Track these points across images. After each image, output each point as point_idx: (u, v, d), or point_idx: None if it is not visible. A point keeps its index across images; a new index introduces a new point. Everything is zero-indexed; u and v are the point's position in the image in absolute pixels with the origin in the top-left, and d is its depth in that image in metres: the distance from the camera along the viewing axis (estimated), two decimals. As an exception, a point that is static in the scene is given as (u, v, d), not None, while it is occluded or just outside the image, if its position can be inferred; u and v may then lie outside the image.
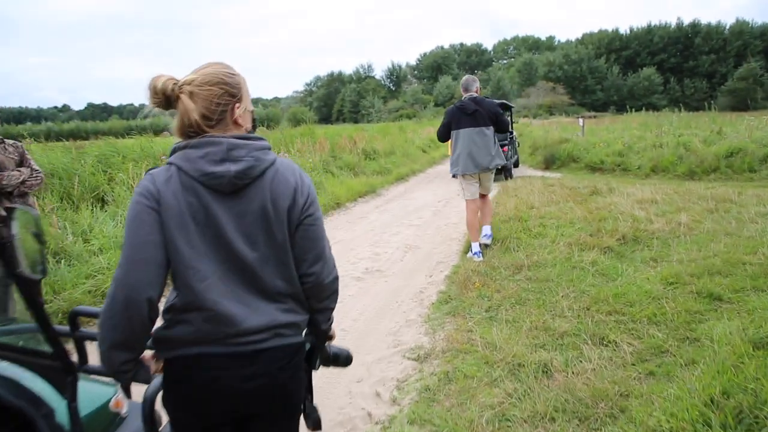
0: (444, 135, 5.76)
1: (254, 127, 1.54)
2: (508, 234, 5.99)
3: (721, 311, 3.75)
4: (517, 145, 15.80)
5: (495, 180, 12.40)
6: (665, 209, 7.08)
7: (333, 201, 9.21)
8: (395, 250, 6.43)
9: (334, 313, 1.61)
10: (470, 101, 5.53)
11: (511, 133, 14.12)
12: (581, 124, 19.68)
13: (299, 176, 1.43)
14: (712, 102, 36.90)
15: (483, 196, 5.87)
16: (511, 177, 12.38)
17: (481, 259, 5.40)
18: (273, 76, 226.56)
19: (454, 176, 6.01)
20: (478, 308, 4.12)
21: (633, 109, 30.44)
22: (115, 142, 9.41)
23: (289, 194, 1.38)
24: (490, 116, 5.52)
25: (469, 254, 5.58)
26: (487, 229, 5.86)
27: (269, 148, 1.42)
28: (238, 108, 1.40)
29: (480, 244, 5.60)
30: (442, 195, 10.68)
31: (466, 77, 5.84)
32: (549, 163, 15.09)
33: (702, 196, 7.97)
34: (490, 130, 5.54)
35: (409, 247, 6.51)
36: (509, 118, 15.37)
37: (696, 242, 5.55)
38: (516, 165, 15.01)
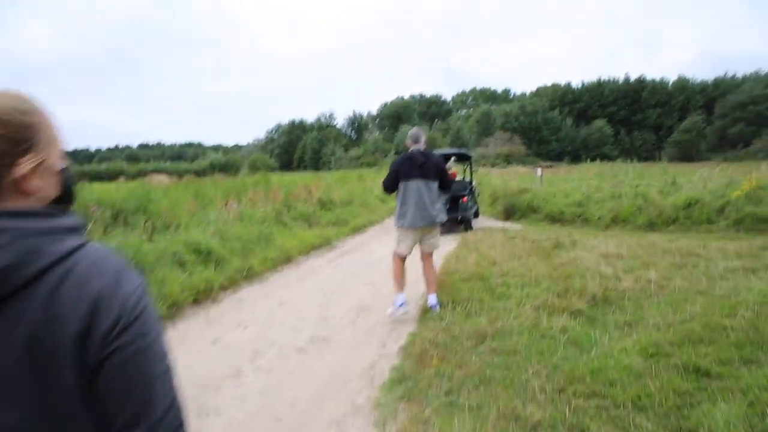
0: (391, 186, 5.40)
1: (65, 197, 0.94)
2: (469, 295, 5.47)
3: (712, 390, 3.26)
4: (477, 195, 15.58)
5: (454, 232, 12.09)
6: (632, 264, 6.74)
7: (283, 255, 8.55)
8: (346, 312, 5.81)
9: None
10: (419, 153, 5.27)
11: (471, 182, 13.89)
12: (539, 174, 19.75)
13: (112, 278, 0.84)
14: (661, 153, 38.37)
15: (428, 256, 5.47)
16: (471, 228, 12.01)
17: (405, 310, 5.24)
18: (235, 123, 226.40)
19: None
20: (436, 390, 3.52)
21: (588, 159, 31.13)
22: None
23: (84, 311, 0.80)
24: (437, 171, 5.30)
25: (391, 310, 5.27)
26: (433, 299, 5.35)
27: (68, 231, 0.85)
28: (24, 164, 0.83)
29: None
30: (400, 247, 10.16)
31: (415, 129, 5.55)
32: (509, 214, 14.87)
33: (667, 249, 7.71)
34: (435, 185, 5.33)
35: (362, 309, 5.90)
36: (469, 167, 15.22)
37: (669, 303, 5.16)
38: (476, 215, 14.71)
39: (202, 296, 6.19)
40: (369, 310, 5.87)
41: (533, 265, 6.89)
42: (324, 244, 10.32)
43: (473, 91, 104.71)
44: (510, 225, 13.23)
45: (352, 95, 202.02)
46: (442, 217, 5.36)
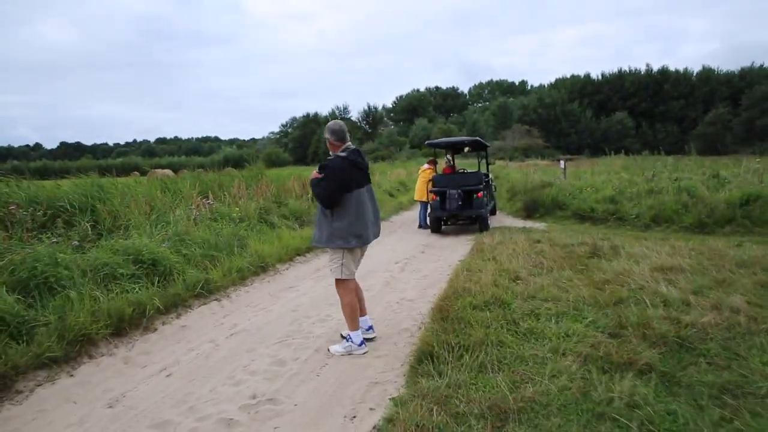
0: (339, 198, 4.06)
1: None
2: (483, 335, 3.83)
3: None
4: (494, 189, 13.91)
5: (469, 232, 10.49)
6: (701, 283, 5.06)
7: (255, 264, 7.00)
8: (313, 352, 4.24)
9: None
10: (358, 153, 4.24)
11: (487, 175, 12.24)
12: (563, 166, 18.01)
13: None
14: (690, 145, 36.31)
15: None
16: (487, 228, 10.35)
17: (366, 350, 4.21)
18: (250, 118, 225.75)
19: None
20: None
21: (612, 152, 29.16)
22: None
23: None
24: (368, 172, 4.39)
25: (339, 348, 4.20)
26: (369, 320, 4.56)
27: None
28: None
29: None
30: (402, 252, 8.57)
31: (341, 123, 4.27)
32: (531, 211, 13.14)
33: (740, 261, 6.01)
34: None
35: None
36: (485, 158, 13.64)
37: (777, 349, 3.51)
38: (493, 212, 13.07)
39: (129, 325, 4.67)
40: (346, 347, 4.30)
41: (569, 282, 5.25)
42: (314, 247, 8.77)
43: (490, 83, 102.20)
44: (532, 224, 11.55)
45: (367, 89, 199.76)
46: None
